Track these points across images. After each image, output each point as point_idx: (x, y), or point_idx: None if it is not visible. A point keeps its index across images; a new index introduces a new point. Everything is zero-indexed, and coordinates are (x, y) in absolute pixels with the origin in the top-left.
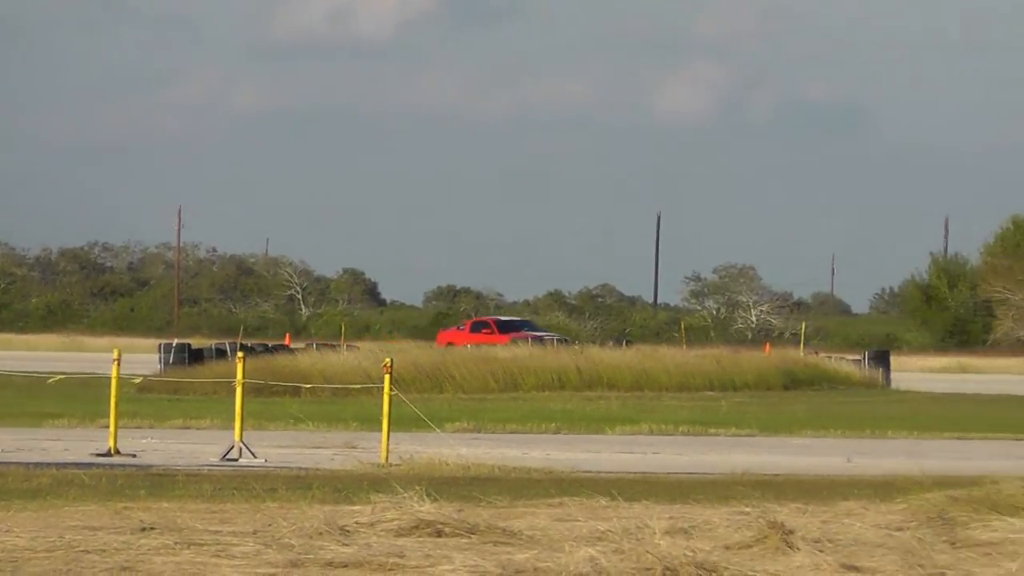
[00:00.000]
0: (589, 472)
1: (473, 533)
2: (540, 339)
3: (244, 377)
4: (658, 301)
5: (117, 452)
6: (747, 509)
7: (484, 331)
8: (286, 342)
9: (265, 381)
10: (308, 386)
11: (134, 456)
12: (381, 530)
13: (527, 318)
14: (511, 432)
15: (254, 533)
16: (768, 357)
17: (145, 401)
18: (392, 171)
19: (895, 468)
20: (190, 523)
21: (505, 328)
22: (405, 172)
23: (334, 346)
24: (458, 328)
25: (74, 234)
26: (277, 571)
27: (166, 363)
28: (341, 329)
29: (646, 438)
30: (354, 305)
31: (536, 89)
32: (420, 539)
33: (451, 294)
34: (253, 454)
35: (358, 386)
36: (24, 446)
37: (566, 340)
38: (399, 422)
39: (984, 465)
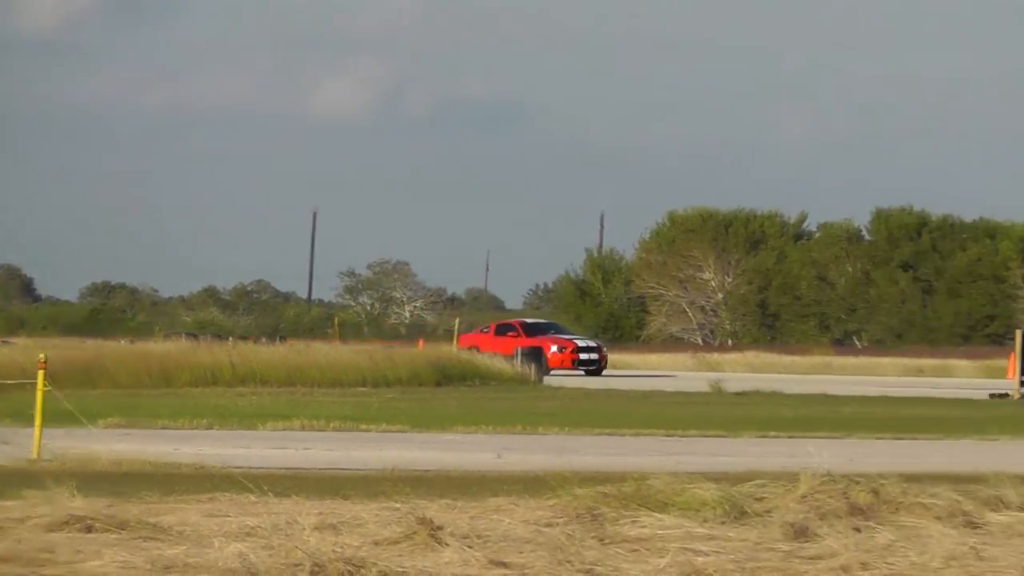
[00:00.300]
0: (240, 468)
1: (123, 528)
2: (558, 343)
3: None
4: (313, 297)
5: None
6: (396, 505)
7: (510, 334)
8: None
9: None
10: None
11: None
12: (32, 525)
13: (553, 321)
14: (163, 428)
15: None
16: (421, 353)
17: None
18: (51, 167)
19: (545, 464)
20: None
21: (532, 331)
22: (63, 167)
23: None
24: (481, 331)
25: None
26: None
27: None
28: None
29: (298, 434)
30: (9, 301)
31: (196, 84)
32: (71, 534)
33: (106, 290)
34: None
35: (12, 382)
36: None
37: (598, 347)
38: (54, 418)
39: (634, 461)
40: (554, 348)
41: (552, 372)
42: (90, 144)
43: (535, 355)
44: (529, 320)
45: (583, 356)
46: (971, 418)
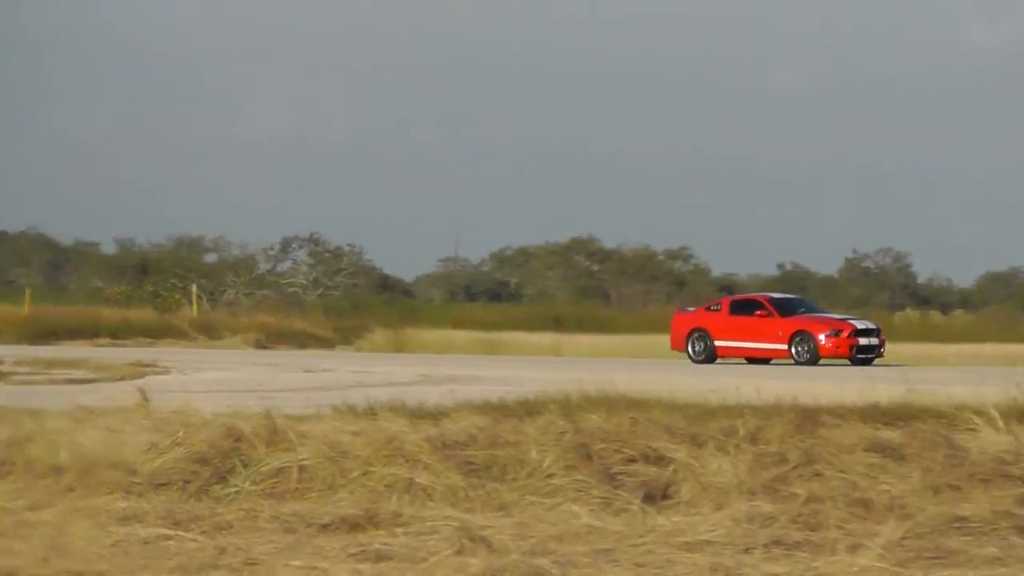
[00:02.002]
0: None
1: None
2: (830, 324)
3: None
4: None
5: None
6: None
7: (758, 313)
8: None
9: None
10: None
11: None
12: None
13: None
14: None
15: None
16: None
17: None
18: None
19: None
20: None
21: (785, 309)
22: None
23: None
24: (709, 309)
25: None
26: None
27: None
28: None
29: None
30: None
31: None
32: None
33: None
34: None
35: None
36: None
37: (877, 329)
38: None
39: None
40: (826, 332)
41: (820, 362)
42: None
43: (801, 341)
44: (775, 294)
45: (863, 341)
46: None
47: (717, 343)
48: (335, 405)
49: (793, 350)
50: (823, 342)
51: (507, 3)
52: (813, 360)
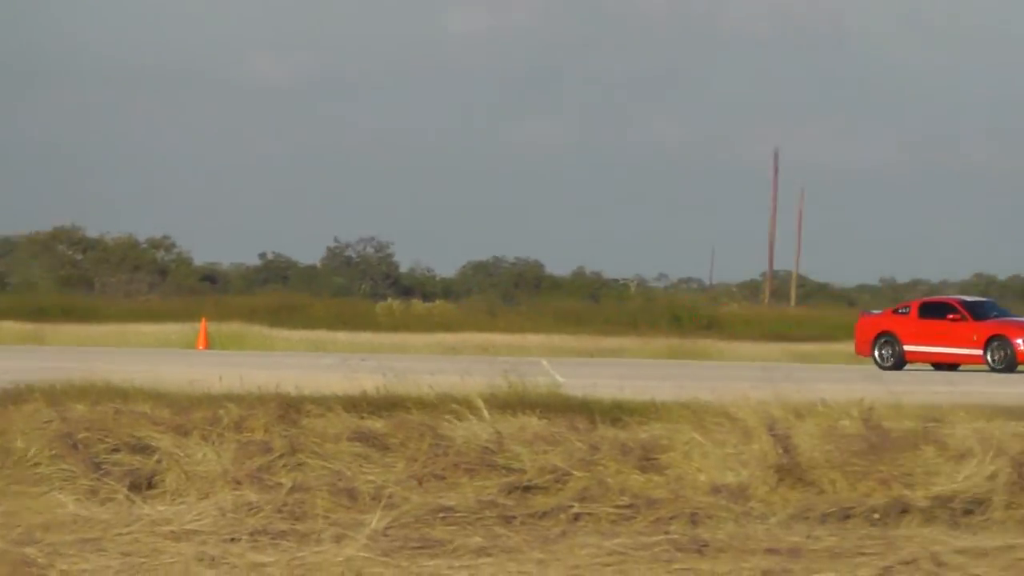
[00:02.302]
0: None
1: None
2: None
3: None
4: None
5: None
6: None
7: (950, 317)
8: None
9: None
10: None
11: None
12: None
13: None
14: None
15: None
16: None
17: None
18: None
19: None
20: None
21: (979, 312)
22: None
23: None
24: (896, 312)
25: None
26: None
27: None
28: None
29: None
30: None
31: None
32: None
33: None
34: None
35: None
36: None
37: None
38: None
39: None
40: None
41: (1018, 369)
42: None
43: (998, 347)
44: (968, 297)
45: None
46: None
47: (906, 348)
48: None
49: (989, 356)
50: (1021, 347)
51: None
52: (1010, 367)
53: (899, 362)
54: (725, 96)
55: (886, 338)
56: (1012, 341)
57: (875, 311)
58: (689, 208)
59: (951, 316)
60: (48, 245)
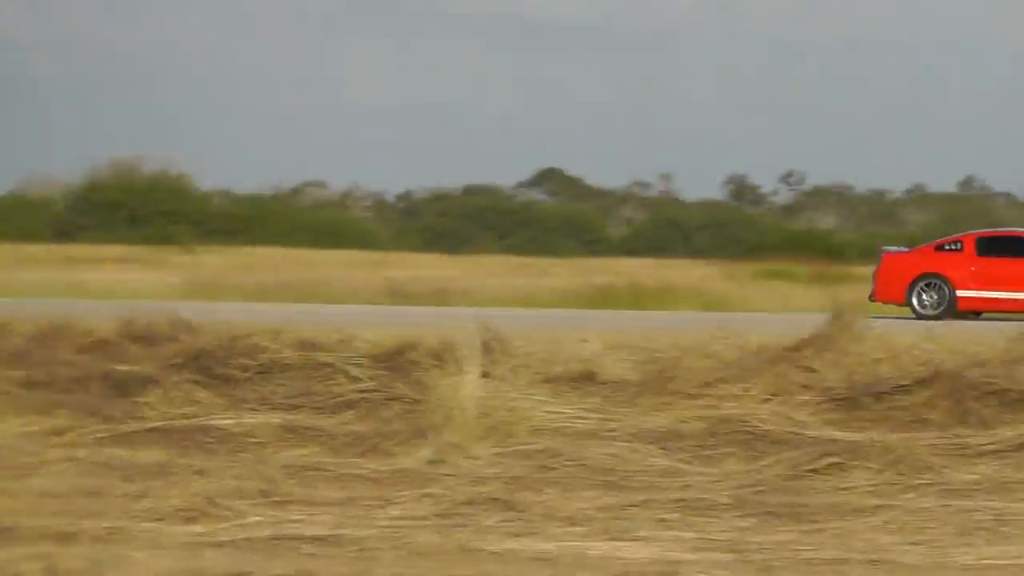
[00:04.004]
0: None
1: None
2: None
3: None
4: None
5: None
6: None
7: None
8: None
9: None
10: None
11: None
12: None
13: None
14: None
15: None
16: None
17: None
18: None
19: None
20: None
21: None
22: None
23: None
24: (945, 248)
25: None
26: None
27: None
28: None
29: None
30: None
31: None
32: None
33: None
34: None
35: None
36: None
37: None
38: None
39: None
40: None
41: None
42: None
43: None
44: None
45: None
46: None
47: (960, 293)
48: None
49: None
50: None
51: None
52: None
53: (950, 310)
54: None
55: (930, 281)
56: None
57: (900, 248)
58: None
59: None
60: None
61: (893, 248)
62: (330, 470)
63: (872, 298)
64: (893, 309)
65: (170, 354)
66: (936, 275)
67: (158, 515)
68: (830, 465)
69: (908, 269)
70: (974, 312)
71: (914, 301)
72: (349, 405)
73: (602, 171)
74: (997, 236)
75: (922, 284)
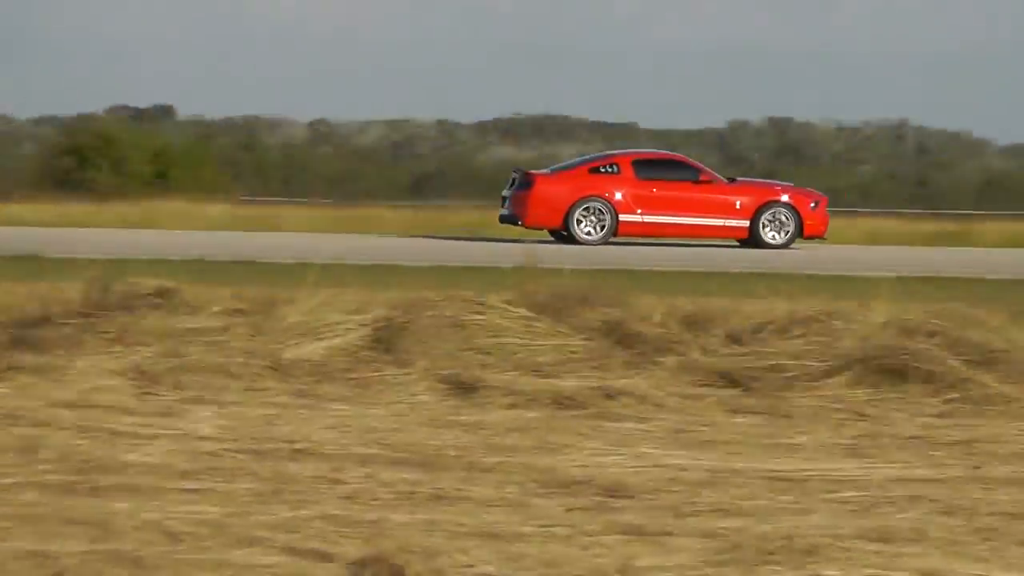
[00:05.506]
0: None
1: None
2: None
3: None
4: None
5: None
6: None
7: (684, 177)
8: None
9: None
10: None
11: None
12: None
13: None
14: None
15: None
16: None
17: None
18: None
19: None
20: None
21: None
22: None
23: None
24: (599, 171)
25: None
26: None
27: None
28: None
29: None
30: None
31: None
32: None
33: None
34: None
35: None
36: None
37: None
38: None
39: None
40: (811, 203)
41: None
42: None
43: (786, 217)
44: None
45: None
46: None
47: (622, 218)
48: None
49: (767, 231)
50: (809, 215)
51: None
52: (787, 244)
53: (608, 237)
54: None
55: (589, 205)
56: (800, 210)
57: (549, 170)
58: None
59: (686, 177)
60: None
61: (541, 171)
62: None
63: (522, 223)
64: (520, 232)
65: None
66: (597, 198)
67: None
68: None
69: (566, 193)
70: (634, 236)
71: (575, 227)
72: None
73: None
74: (654, 159)
75: (582, 209)
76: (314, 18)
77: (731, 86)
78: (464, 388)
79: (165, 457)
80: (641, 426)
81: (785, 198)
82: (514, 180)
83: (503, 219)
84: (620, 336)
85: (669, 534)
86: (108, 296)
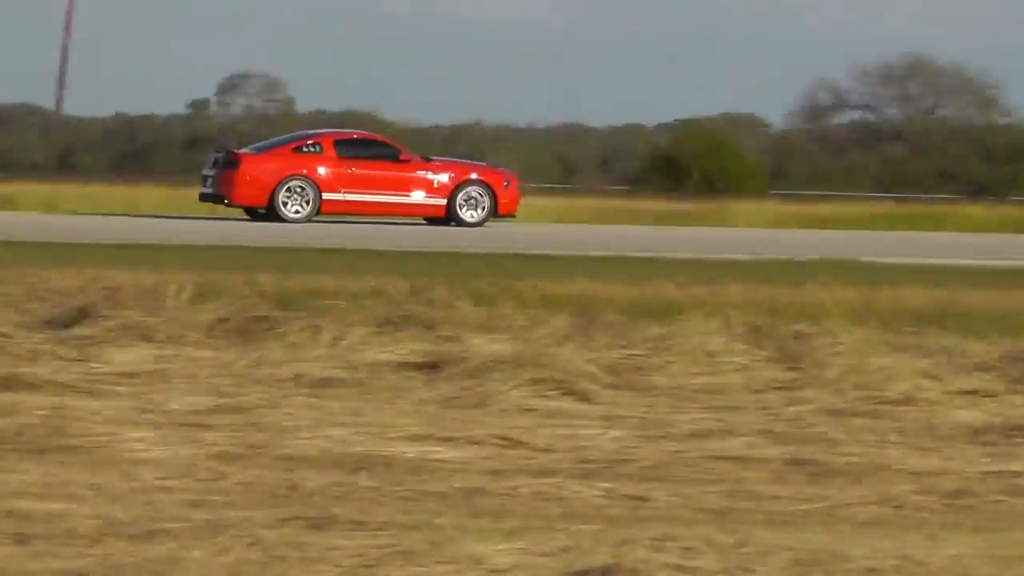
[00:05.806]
0: None
1: None
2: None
3: None
4: None
5: None
6: None
7: (383, 156)
8: None
9: None
10: None
11: None
12: None
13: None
14: None
15: None
16: None
17: None
18: None
19: None
20: None
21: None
22: None
23: None
24: (301, 150)
25: None
26: None
27: None
28: None
29: None
30: None
31: None
32: None
33: None
34: None
35: None
36: None
37: None
38: None
39: None
40: (505, 183)
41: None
42: None
43: (480, 196)
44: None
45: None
46: None
47: (326, 196)
48: None
49: (464, 211)
50: (504, 194)
51: None
52: (482, 222)
53: (314, 214)
54: None
55: (295, 184)
56: (496, 189)
57: (250, 149)
58: None
59: (385, 156)
60: None
61: (246, 150)
62: None
63: (226, 201)
64: (224, 210)
65: None
66: (302, 177)
67: None
68: None
69: (272, 172)
70: (338, 214)
71: (280, 205)
72: None
73: None
74: (354, 139)
75: (287, 188)
76: None
77: None
78: None
79: None
80: None
81: (475, 176)
82: (216, 160)
83: (204, 197)
84: None
85: None
86: None
